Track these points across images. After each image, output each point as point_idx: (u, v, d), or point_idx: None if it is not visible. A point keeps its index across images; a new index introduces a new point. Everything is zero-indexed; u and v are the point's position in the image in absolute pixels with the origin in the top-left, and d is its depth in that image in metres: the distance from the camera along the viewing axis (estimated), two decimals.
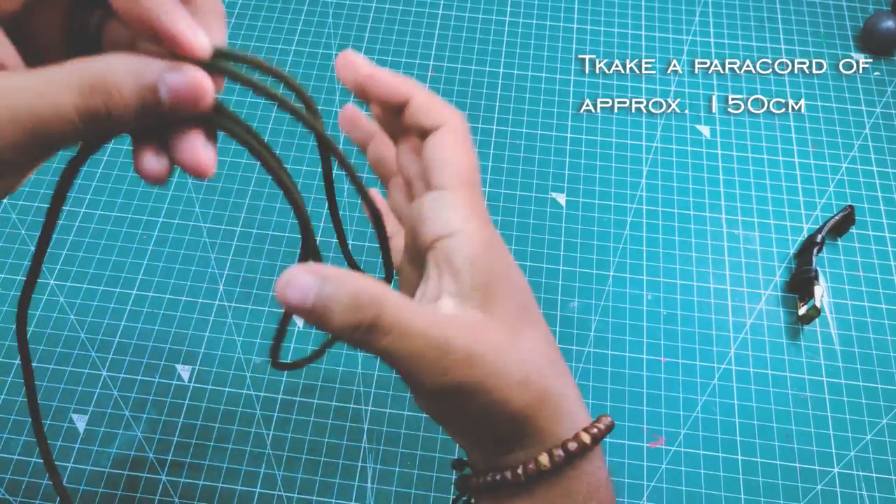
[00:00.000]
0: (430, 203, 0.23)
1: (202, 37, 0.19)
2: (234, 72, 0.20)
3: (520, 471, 0.23)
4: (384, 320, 0.20)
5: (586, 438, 0.23)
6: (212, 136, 0.20)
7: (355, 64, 0.24)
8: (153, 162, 0.20)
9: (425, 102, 0.24)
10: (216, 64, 0.19)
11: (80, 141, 0.19)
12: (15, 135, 0.17)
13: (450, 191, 0.23)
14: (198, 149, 0.20)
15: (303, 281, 0.19)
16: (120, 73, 0.17)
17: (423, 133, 0.24)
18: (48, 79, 0.17)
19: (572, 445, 0.23)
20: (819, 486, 0.40)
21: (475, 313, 0.22)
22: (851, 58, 0.56)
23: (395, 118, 0.25)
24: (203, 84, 0.19)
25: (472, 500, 0.28)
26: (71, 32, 0.20)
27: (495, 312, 0.23)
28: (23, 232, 0.47)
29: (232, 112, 0.21)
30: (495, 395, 0.22)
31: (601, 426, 0.24)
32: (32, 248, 0.44)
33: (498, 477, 0.24)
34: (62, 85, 0.17)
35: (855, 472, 0.41)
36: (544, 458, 0.23)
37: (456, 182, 0.23)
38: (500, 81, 0.54)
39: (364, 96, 0.24)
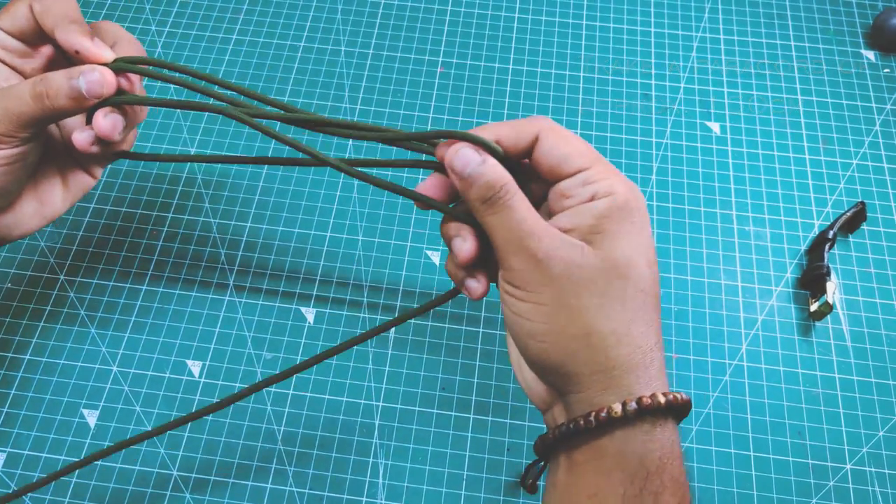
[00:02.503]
0: (576, 181, 0.26)
1: (107, 51, 0.30)
2: (136, 69, 0.30)
3: (591, 416, 0.24)
4: (500, 201, 0.25)
5: (661, 399, 0.24)
6: (119, 112, 0.31)
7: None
8: (79, 136, 0.31)
9: (513, 133, 0.27)
10: (119, 65, 0.30)
11: (40, 120, 0.29)
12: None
13: (592, 168, 0.26)
14: (98, 119, 0.30)
15: (469, 154, 0.26)
16: (56, 74, 0.29)
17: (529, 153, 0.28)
18: (19, 86, 0.29)
19: (646, 400, 0.24)
20: (831, 483, 0.40)
21: (579, 241, 0.25)
22: (861, 55, 0.56)
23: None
24: (106, 76, 0.29)
25: (544, 466, 0.29)
26: None
27: (601, 251, 0.25)
28: None
29: (137, 95, 0.31)
30: (566, 305, 0.25)
31: (679, 396, 0.25)
32: (42, 244, 0.44)
33: (571, 425, 0.25)
34: (24, 85, 0.29)
35: (867, 469, 0.41)
36: (617, 406, 0.24)
37: (593, 160, 0.26)
38: (509, 77, 0.54)
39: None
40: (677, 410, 0.25)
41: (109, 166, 0.49)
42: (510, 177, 0.26)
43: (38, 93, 0.29)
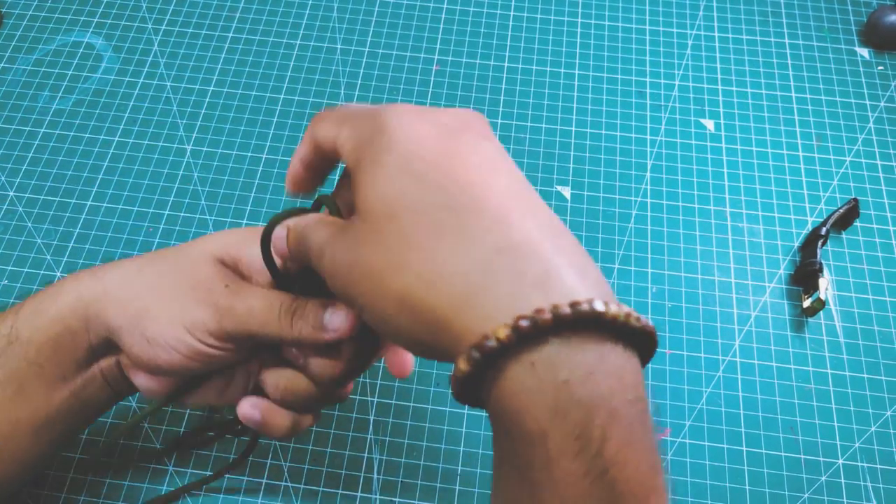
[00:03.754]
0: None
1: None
2: None
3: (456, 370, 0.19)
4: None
5: (528, 321, 0.17)
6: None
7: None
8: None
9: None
10: None
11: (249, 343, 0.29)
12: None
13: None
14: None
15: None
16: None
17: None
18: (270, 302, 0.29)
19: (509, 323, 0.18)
20: (824, 478, 0.40)
21: (351, 223, 0.24)
22: (855, 52, 0.56)
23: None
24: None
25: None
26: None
27: (375, 225, 0.22)
28: (29, 224, 0.47)
29: None
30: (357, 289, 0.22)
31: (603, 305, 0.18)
32: (39, 241, 0.44)
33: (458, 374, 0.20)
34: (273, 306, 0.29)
35: (859, 464, 0.41)
36: (462, 361, 0.19)
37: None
38: (504, 75, 0.55)
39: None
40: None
41: (106, 162, 0.50)
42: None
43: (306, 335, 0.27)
